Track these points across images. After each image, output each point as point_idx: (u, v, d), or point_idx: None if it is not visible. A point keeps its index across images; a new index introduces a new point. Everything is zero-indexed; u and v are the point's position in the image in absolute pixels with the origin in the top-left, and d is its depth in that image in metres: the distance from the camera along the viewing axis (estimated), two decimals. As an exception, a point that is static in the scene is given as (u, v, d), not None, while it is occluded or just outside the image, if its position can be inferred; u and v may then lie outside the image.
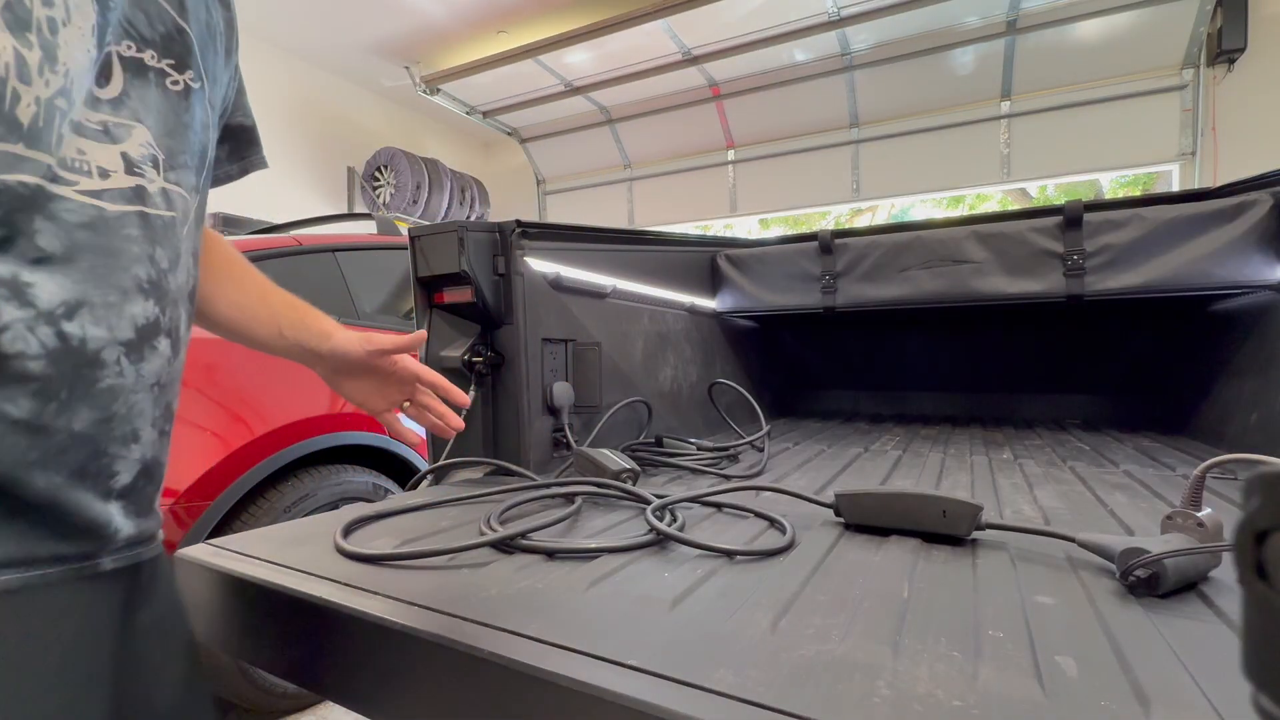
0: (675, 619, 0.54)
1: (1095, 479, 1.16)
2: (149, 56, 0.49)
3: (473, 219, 5.40)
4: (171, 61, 0.51)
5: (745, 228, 5.90)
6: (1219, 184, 1.58)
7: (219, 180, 0.69)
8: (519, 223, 1.24)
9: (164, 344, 0.52)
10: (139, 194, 0.48)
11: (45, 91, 0.41)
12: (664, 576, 0.64)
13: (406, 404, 0.84)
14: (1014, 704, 0.40)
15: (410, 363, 0.81)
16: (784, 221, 6.99)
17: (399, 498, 1.01)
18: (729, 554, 0.70)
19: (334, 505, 1.96)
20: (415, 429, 0.88)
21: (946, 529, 0.75)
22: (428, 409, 0.84)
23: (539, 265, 1.29)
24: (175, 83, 0.51)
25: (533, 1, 4.18)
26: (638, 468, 1.05)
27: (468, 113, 5.34)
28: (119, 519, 0.51)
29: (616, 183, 5.74)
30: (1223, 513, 0.76)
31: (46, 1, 0.41)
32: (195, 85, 0.54)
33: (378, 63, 4.88)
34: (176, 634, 0.61)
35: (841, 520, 0.84)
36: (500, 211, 5.99)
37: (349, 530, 0.81)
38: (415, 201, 4.99)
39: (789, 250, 1.92)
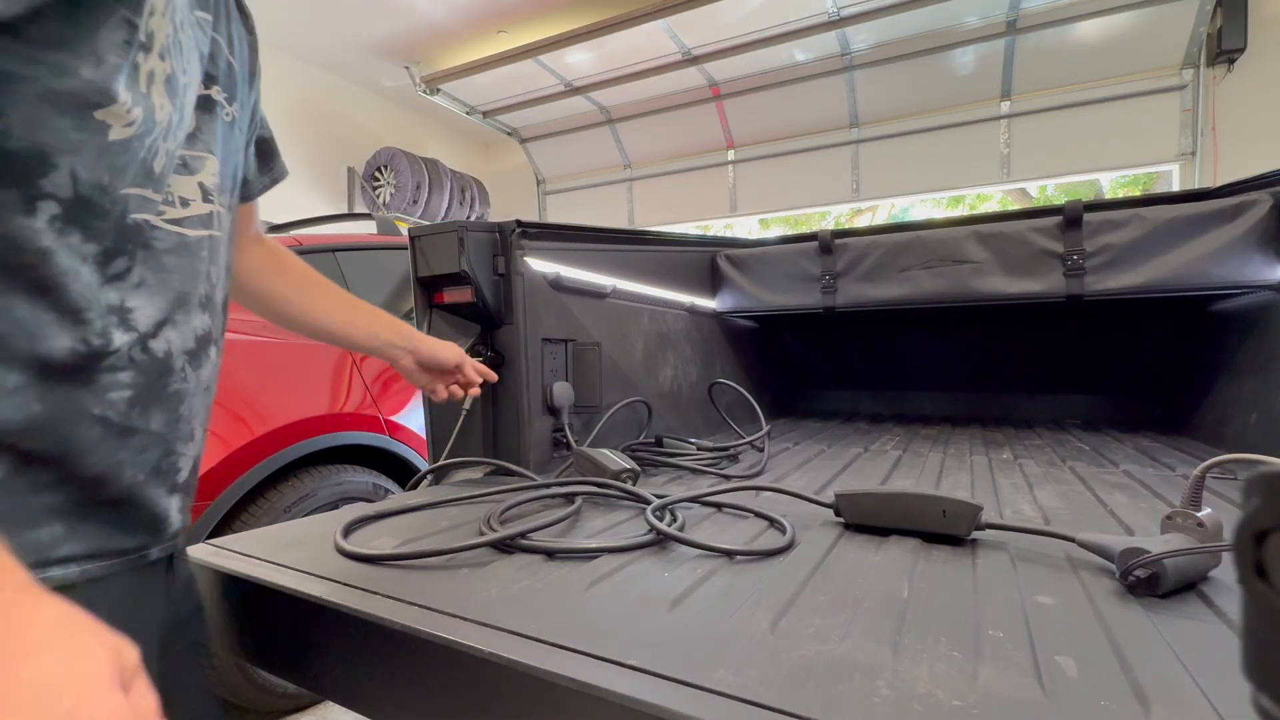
0: (675, 619, 0.54)
1: (1095, 479, 1.16)
2: (215, 92, 0.54)
3: (473, 219, 5.40)
4: (226, 95, 0.56)
5: (745, 228, 5.89)
6: (1219, 184, 1.58)
7: (255, 194, 0.73)
8: (519, 223, 1.24)
9: (213, 351, 0.58)
10: (211, 219, 0.53)
11: (173, 146, 0.48)
12: (664, 576, 0.64)
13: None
14: (1014, 704, 0.40)
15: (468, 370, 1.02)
16: (784, 221, 6.99)
17: (399, 498, 1.01)
18: (729, 554, 0.70)
19: (334, 505, 1.96)
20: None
21: (946, 529, 0.75)
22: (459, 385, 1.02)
23: (539, 265, 1.29)
24: (227, 114, 0.57)
25: (533, 1, 4.18)
26: (638, 468, 1.05)
27: (468, 113, 5.34)
28: (174, 513, 0.56)
29: (616, 183, 5.73)
30: (1223, 513, 0.76)
31: (184, 70, 0.48)
32: (238, 115, 0.59)
33: (378, 63, 4.88)
34: (198, 617, 0.65)
35: (841, 520, 0.84)
36: (500, 211, 5.98)
37: (349, 530, 0.81)
38: (415, 201, 4.99)
39: (789, 250, 1.92)
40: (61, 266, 0.42)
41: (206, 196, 0.53)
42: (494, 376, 1.06)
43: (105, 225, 0.44)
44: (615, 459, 1.06)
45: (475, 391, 1.03)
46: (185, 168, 0.51)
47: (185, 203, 0.51)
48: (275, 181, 0.75)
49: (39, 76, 0.39)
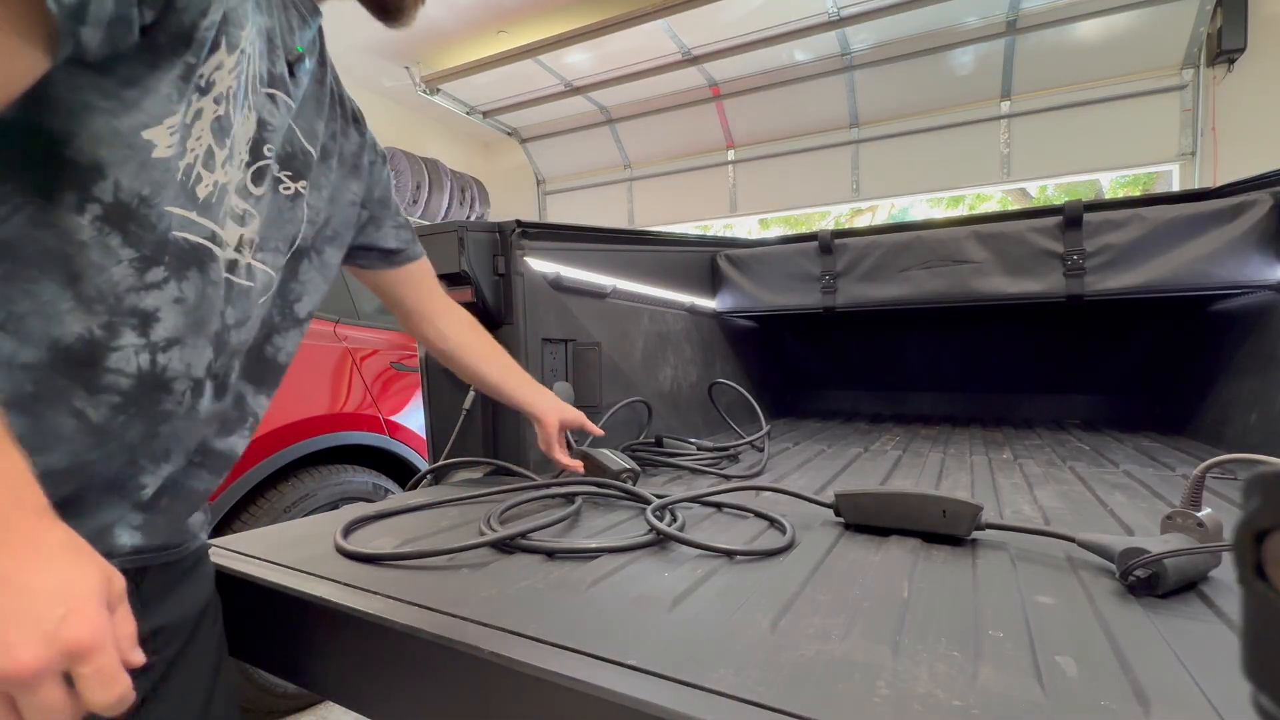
0: (675, 619, 0.54)
1: (1095, 479, 1.16)
2: (273, 168, 0.62)
3: (473, 219, 5.39)
4: (289, 173, 0.64)
5: (745, 228, 5.88)
6: (1219, 184, 1.58)
7: (400, 263, 0.87)
8: (519, 223, 1.24)
9: (209, 386, 0.59)
10: (236, 266, 0.59)
11: (223, 178, 0.55)
12: (664, 576, 0.64)
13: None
14: (1014, 704, 0.40)
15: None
16: (784, 221, 6.98)
17: (399, 498, 1.01)
18: (729, 554, 0.70)
19: (334, 505, 1.96)
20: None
21: (946, 529, 0.75)
22: None
23: (539, 265, 1.30)
24: (287, 188, 0.65)
25: (533, 1, 4.17)
26: (638, 468, 1.05)
27: (468, 113, 5.33)
28: (123, 528, 0.55)
29: (616, 183, 5.72)
30: (1223, 513, 0.76)
31: (242, 122, 0.56)
32: (304, 192, 0.67)
33: (378, 63, 4.87)
34: (177, 640, 0.62)
35: (841, 520, 0.84)
36: (500, 211, 5.97)
37: (349, 530, 0.81)
38: (415, 201, 4.98)
39: (789, 250, 1.92)
40: (91, 260, 0.48)
41: (239, 247, 0.59)
42: (599, 431, 1.16)
43: (148, 235, 0.50)
44: (616, 459, 1.06)
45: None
46: (239, 220, 0.58)
47: (224, 245, 0.57)
48: (418, 255, 0.90)
49: (112, 109, 0.46)
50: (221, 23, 0.51)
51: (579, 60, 4.56)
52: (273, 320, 0.68)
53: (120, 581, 0.39)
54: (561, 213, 6.01)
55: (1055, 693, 0.42)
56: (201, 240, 0.54)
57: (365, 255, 0.84)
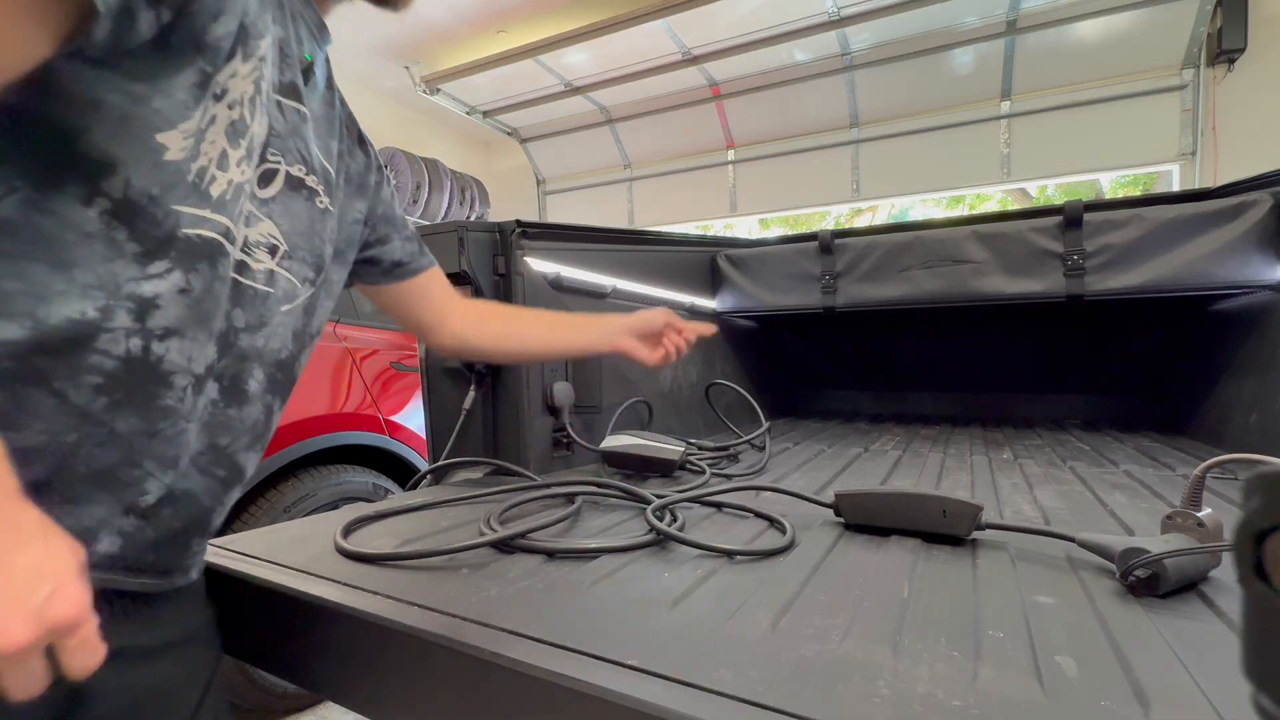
0: (675, 619, 0.54)
1: (1095, 479, 1.16)
2: (310, 180, 0.65)
3: (473, 219, 5.39)
4: (324, 186, 0.67)
5: (745, 228, 5.88)
6: (1219, 184, 1.58)
7: (410, 274, 0.86)
8: (519, 223, 1.24)
9: (212, 388, 0.58)
10: (241, 267, 0.59)
11: (238, 177, 0.56)
12: (664, 576, 0.64)
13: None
14: (1014, 704, 0.40)
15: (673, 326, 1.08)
16: (784, 221, 6.98)
17: (399, 498, 1.01)
18: (729, 554, 0.70)
19: (334, 505, 1.96)
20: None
21: (946, 529, 0.75)
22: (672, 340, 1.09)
23: (539, 265, 1.30)
24: (320, 201, 0.67)
25: (533, 1, 4.18)
26: (683, 451, 1.15)
27: (468, 113, 5.33)
28: (109, 533, 0.51)
29: (616, 183, 5.72)
30: (1223, 513, 0.76)
31: (256, 120, 0.56)
32: (332, 209, 0.69)
33: (378, 63, 4.87)
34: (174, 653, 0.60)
35: (841, 520, 0.84)
36: (500, 211, 5.97)
37: (349, 530, 0.81)
38: (415, 201, 4.98)
39: (789, 250, 1.92)
40: (96, 251, 0.48)
41: (245, 248, 0.59)
42: (710, 329, 1.11)
43: (154, 231, 0.50)
44: (659, 448, 1.15)
45: (704, 331, 1.11)
46: (246, 221, 0.58)
47: (235, 242, 0.57)
48: (426, 266, 0.89)
49: (121, 104, 0.47)
50: (239, 32, 0.52)
51: (579, 60, 4.56)
52: (304, 335, 0.68)
53: (82, 554, 0.41)
54: (561, 213, 6.00)
55: (1055, 693, 0.42)
56: (215, 235, 0.54)
57: (370, 271, 0.83)
